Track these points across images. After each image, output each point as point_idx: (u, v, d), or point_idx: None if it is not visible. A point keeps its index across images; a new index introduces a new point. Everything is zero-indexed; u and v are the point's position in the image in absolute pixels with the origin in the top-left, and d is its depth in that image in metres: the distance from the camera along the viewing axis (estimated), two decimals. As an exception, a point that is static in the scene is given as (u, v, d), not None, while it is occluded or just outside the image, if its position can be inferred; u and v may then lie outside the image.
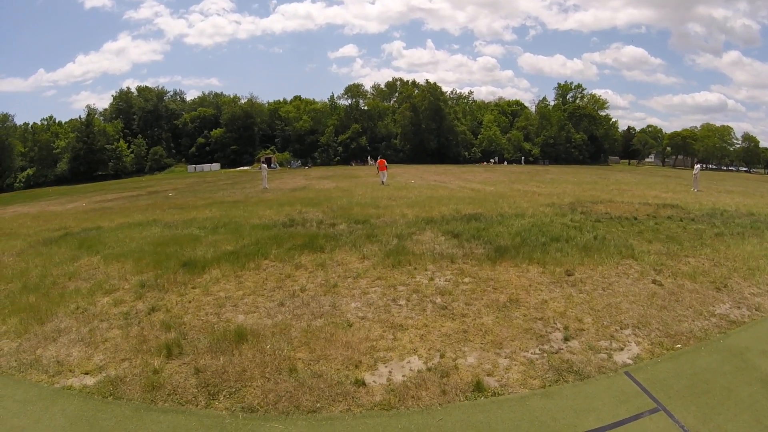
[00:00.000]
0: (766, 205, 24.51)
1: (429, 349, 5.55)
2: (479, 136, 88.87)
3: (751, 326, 6.86)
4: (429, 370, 5.08)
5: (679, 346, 5.89)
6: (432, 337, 5.86)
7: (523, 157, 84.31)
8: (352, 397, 4.63)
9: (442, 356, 5.37)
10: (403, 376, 4.98)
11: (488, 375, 4.99)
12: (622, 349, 5.67)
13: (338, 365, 5.19)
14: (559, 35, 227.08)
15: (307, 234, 11.47)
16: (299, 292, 7.45)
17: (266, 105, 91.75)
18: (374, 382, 4.90)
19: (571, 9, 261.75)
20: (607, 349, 5.63)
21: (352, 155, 79.77)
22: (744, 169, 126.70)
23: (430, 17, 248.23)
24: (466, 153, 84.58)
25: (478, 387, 4.71)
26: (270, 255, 9.50)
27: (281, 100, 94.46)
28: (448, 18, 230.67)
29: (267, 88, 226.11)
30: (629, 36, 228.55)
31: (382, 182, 29.34)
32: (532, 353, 5.47)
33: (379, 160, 32.95)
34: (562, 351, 5.55)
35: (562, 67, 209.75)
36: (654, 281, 8.11)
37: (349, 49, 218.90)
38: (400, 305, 6.85)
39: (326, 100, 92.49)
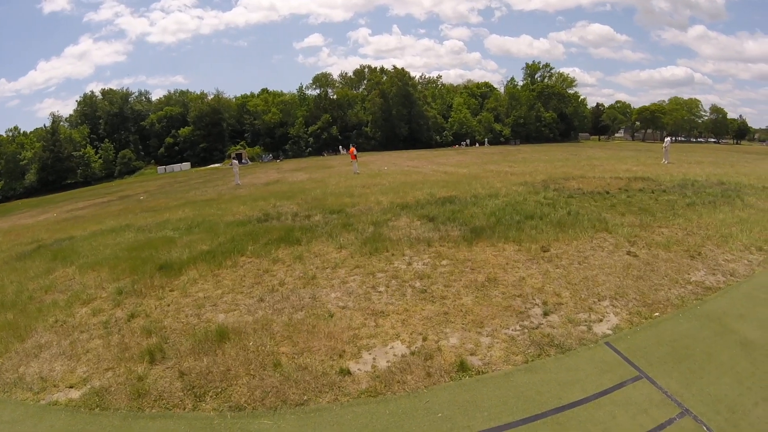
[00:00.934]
0: (735, 174, 25.15)
1: (411, 334, 5.60)
2: (450, 120, 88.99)
3: (726, 291, 7.06)
4: (413, 354, 5.14)
5: (657, 314, 6.07)
6: (413, 321, 5.92)
7: (486, 139, 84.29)
8: (339, 387, 4.66)
9: (424, 339, 5.43)
10: (388, 362, 5.02)
11: (471, 354, 5.07)
12: (601, 321, 5.81)
13: (322, 356, 5.21)
14: (524, 16, 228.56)
15: (283, 227, 11.43)
16: (278, 286, 7.44)
17: (234, 100, 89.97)
18: (359, 370, 4.94)
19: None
20: (586, 321, 5.77)
21: (324, 146, 78.84)
22: (713, 140, 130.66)
23: (395, 3, 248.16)
24: (438, 137, 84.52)
25: (462, 367, 4.78)
26: (246, 251, 9.44)
27: (249, 94, 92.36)
28: (413, 3, 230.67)
29: (234, 83, 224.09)
30: (595, 14, 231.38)
31: (356, 172, 29.30)
32: (513, 330, 5.58)
33: (350, 149, 32.92)
34: (542, 326, 5.67)
35: (529, 47, 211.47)
36: (629, 253, 8.31)
37: (315, 39, 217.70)
38: (380, 292, 6.90)
39: (294, 92, 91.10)
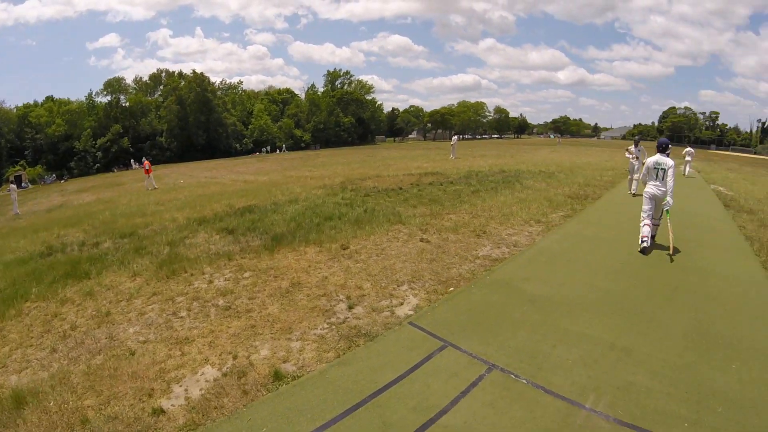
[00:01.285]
0: (515, 162, 28.78)
1: (220, 355, 5.40)
2: (250, 126, 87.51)
3: (511, 260, 8.15)
4: (225, 375, 4.94)
5: (452, 289, 6.79)
6: (221, 341, 5.71)
7: (284, 145, 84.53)
8: (155, 430, 4.33)
9: (235, 357, 5.27)
10: (201, 389, 4.76)
11: (284, 362, 5.05)
12: (402, 304, 6.28)
13: (131, 400, 4.75)
14: (330, 24, 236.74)
15: (69, 261, 10.10)
16: (70, 331, 6.57)
17: (14, 111, 76.53)
18: (172, 405, 4.59)
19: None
20: (389, 307, 6.19)
21: (114, 160, 70.03)
22: (496, 135, 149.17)
23: (201, 3, 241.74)
24: (238, 145, 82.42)
25: (278, 376, 4.74)
26: (31, 295, 8.15)
27: (32, 103, 78.65)
28: (220, 4, 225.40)
29: (17, 90, 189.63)
30: (396, 26, 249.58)
31: (153, 187, 27.56)
32: (321, 329, 5.71)
33: (143, 163, 30.80)
34: (348, 319, 5.92)
35: (332, 55, 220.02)
36: (422, 240, 9.18)
37: (111, 39, 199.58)
38: (181, 317, 6.49)
39: (83, 99, 79.07)
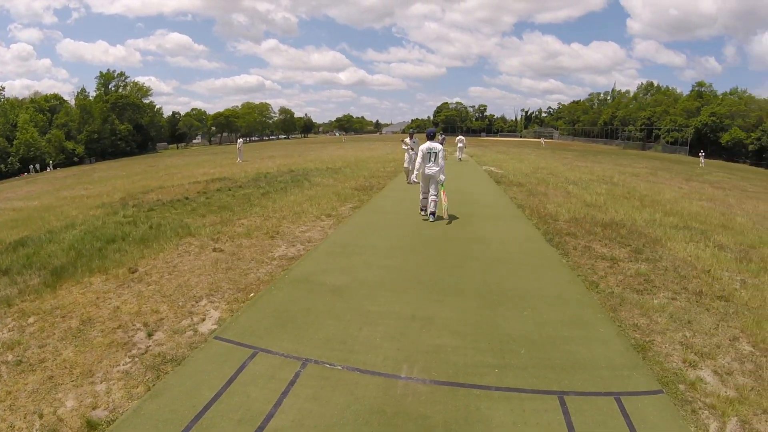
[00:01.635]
0: (303, 161, 29.27)
1: (25, 417, 4.62)
2: (15, 142, 72.41)
3: (307, 256, 8.32)
4: None
5: (252, 294, 6.68)
6: (21, 401, 4.88)
7: (51, 162, 72.41)
8: None
9: (41, 417, 4.54)
10: None
11: (94, 409, 4.50)
12: (204, 320, 6.00)
13: None
14: (103, 19, 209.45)
15: None
16: None
17: None
18: None
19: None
20: (191, 326, 5.86)
21: None
22: (284, 136, 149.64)
23: None
24: (2, 165, 68.23)
25: (91, 425, 4.21)
26: None
27: None
28: None
29: None
30: (175, 23, 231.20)
31: None
32: (124, 365, 5.19)
33: None
34: (150, 347, 5.47)
35: (105, 54, 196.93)
36: (215, 249, 8.81)
37: None
38: (-30, 385, 5.49)
39: None
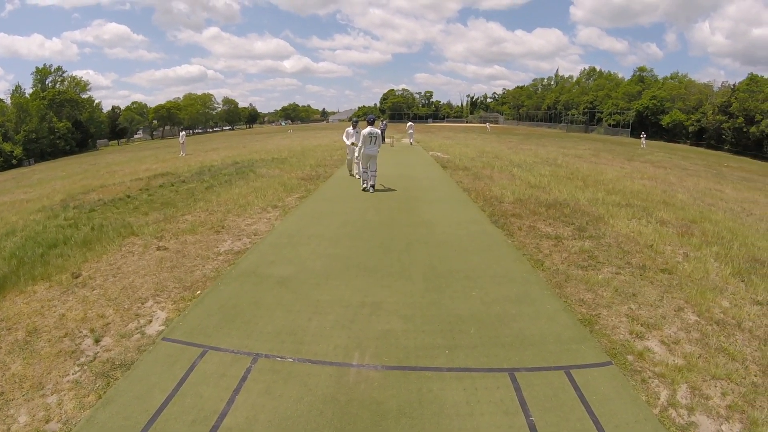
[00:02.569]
0: (248, 153, 28.62)
1: None
2: None
3: (254, 249, 8.17)
4: None
5: (199, 292, 6.50)
6: None
7: None
8: None
9: None
10: None
11: (47, 422, 4.28)
12: (151, 321, 5.80)
13: None
14: (38, 11, 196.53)
15: None
16: None
17: None
18: None
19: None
20: (138, 329, 5.65)
21: None
22: (228, 127, 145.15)
23: None
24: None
25: None
26: None
27: None
28: None
29: None
30: (113, 12, 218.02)
31: None
32: (73, 374, 4.96)
33: None
34: (98, 354, 5.25)
35: (41, 48, 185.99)
36: (159, 248, 8.48)
37: None
38: None
39: None
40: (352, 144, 15.49)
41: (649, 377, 4.36)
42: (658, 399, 4.08)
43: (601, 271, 6.95)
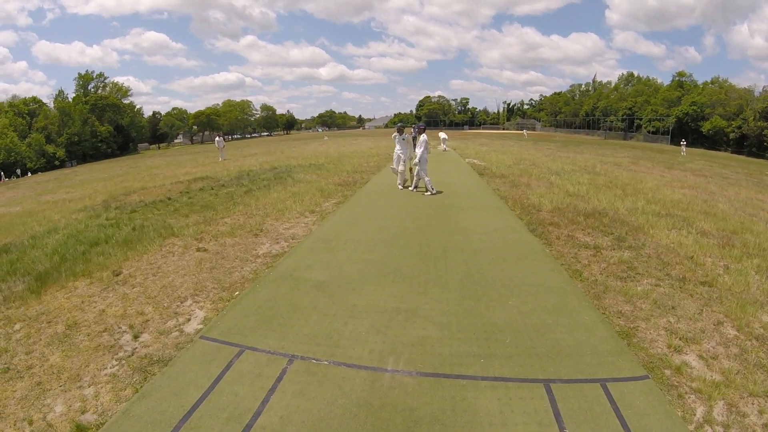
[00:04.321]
0: (286, 158, 29.07)
1: (15, 424, 4.54)
2: None
3: (292, 252, 8.31)
4: None
5: (237, 293, 6.67)
6: (11, 409, 4.80)
7: (26, 167, 70.88)
8: None
9: (31, 423, 4.48)
10: None
11: (83, 413, 4.47)
12: (189, 320, 5.99)
13: None
14: (78, 20, 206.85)
15: None
16: None
17: None
18: None
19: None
20: (176, 327, 5.84)
21: None
22: (266, 133, 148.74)
23: None
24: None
25: (81, 430, 4.19)
26: None
27: None
28: None
29: None
30: (151, 21, 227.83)
31: None
32: (111, 368, 5.16)
33: None
34: (137, 350, 5.45)
35: (81, 54, 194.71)
36: (198, 249, 8.76)
37: None
38: (-42, 394, 5.40)
39: None
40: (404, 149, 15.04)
41: (686, 392, 4.25)
42: (694, 415, 3.97)
43: (640, 282, 6.80)
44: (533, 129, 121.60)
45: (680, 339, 5.19)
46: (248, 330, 5.56)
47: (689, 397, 4.19)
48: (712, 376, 4.48)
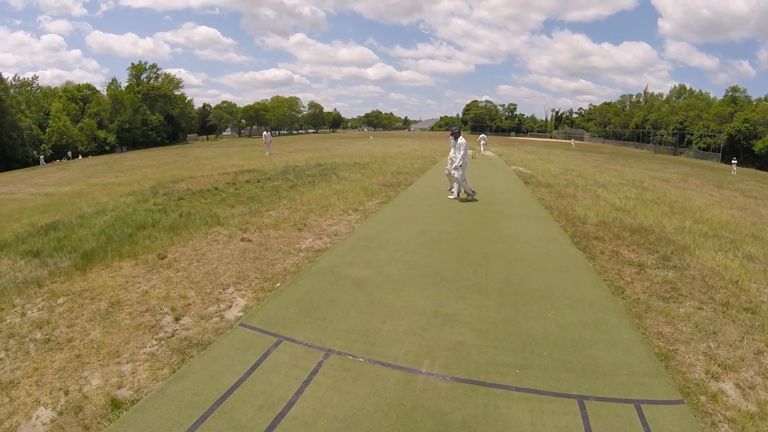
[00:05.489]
0: (331, 156, 29.45)
1: (51, 393, 4.80)
2: (48, 130, 76.05)
3: (333, 249, 8.43)
4: (61, 414, 4.41)
5: (278, 284, 6.82)
6: (48, 378, 5.08)
7: (76, 149, 75.29)
8: None
9: (67, 393, 4.72)
10: None
11: (119, 388, 4.66)
12: (230, 307, 6.17)
13: None
14: (132, 12, 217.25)
15: None
16: None
17: None
18: None
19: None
20: (217, 312, 6.03)
21: None
22: (312, 130, 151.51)
23: None
24: (35, 152, 70.04)
25: (115, 404, 4.37)
26: None
27: None
28: None
29: None
30: (203, 16, 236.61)
31: None
32: (150, 347, 5.37)
33: None
34: (177, 331, 5.64)
35: (134, 46, 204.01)
36: (243, 239, 9.02)
37: None
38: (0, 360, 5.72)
39: None
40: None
41: (719, 421, 4.11)
42: (725, 445, 3.87)
43: (682, 304, 6.59)
44: (581, 139, 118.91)
45: (719, 365, 5.02)
46: (287, 321, 5.68)
47: (722, 426, 4.06)
48: (747, 407, 4.33)
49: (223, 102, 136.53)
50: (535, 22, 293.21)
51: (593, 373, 4.75)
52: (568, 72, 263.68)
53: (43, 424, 4.39)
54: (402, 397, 4.25)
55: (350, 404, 4.13)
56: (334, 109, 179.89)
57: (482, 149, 37.05)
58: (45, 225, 12.52)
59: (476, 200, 13.84)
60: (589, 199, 15.13)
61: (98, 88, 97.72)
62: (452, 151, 14.08)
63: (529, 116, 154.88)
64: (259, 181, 16.66)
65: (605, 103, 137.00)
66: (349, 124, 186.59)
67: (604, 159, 45.87)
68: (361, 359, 4.84)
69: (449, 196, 14.23)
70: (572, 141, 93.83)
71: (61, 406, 4.58)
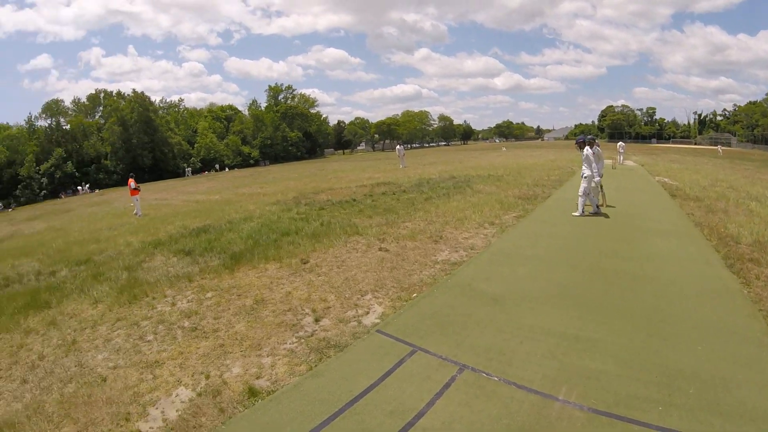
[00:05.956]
0: (464, 168, 29.38)
1: (192, 375, 5.31)
2: (196, 145, 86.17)
3: (470, 263, 8.35)
4: (200, 395, 4.85)
5: (415, 295, 6.90)
6: (191, 362, 5.61)
7: (223, 162, 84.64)
8: None
9: (207, 377, 5.19)
10: (177, 411, 4.64)
11: (257, 378, 5.01)
12: (368, 313, 6.38)
13: (108, 425, 4.57)
14: (263, 39, 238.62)
15: (27, 291, 9.51)
16: (38, 360, 6.24)
17: None
18: (151, 428, 4.45)
19: (274, 15, 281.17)
20: (355, 317, 6.27)
21: (60, 186, 66.93)
22: (443, 143, 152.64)
23: (131, 21, 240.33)
24: (185, 164, 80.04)
25: (252, 392, 4.69)
26: None
27: None
28: (150, 22, 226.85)
29: None
30: (330, 39, 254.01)
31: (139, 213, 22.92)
32: (290, 344, 5.70)
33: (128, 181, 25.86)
34: (316, 332, 5.95)
35: (269, 69, 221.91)
36: (380, 249, 9.32)
37: (43, 60, 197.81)
38: (149, 341, 6.32)
39: (22, 123, 74.92)
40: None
41: None
42: None
43: None
44: (728, 144, 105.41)
45: None
46: (422, 332, 5.72)
47: None
48: None
49: (357, 118, 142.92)
50: (664, 16, 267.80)
51: (741, 417, 4.18)
52: (706, 69, 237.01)
53: (182, 402, 4.80)
54: (535, 423, 4.04)
55: (481, 423, 4.02)
56: (464, 121, 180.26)
57: (620, 158, 34.82)
58: (196, 228, 13.89)
59: (608, 216, 12.85)
60: (741, 215, 13.51)
61: (240, 108, 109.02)
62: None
63: (669, 120, 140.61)
64: (394, 193, 17.14)
65: (750, 103, 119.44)
66: (479, 136, 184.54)
67: (755, 167, 40.74)
68: (496, 378, 4.70)
69: (585, 212, 13.14)
70: (719, 147, 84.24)
71: (201, 388, 5.00)
